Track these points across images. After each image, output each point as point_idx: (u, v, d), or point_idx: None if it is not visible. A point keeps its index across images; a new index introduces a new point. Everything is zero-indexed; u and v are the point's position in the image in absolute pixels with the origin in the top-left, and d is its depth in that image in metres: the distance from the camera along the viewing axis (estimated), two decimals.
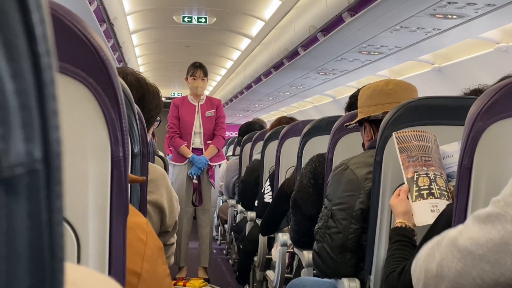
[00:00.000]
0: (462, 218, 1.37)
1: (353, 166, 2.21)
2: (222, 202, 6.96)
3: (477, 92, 2.40)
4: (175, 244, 2.26)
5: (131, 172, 1.48)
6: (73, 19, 0.91)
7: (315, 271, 2.79)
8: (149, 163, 2.21)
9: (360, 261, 2.22)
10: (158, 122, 2.23)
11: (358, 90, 2.79)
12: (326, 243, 2.21)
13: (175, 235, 2.27)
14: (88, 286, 0.44)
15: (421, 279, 1.16)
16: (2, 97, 0.27)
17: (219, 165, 5.64)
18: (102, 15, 6.63)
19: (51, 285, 0.29)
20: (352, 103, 2.76)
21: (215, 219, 7.08)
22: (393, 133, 2.00)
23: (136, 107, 1.44)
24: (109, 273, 0.95)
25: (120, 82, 0.96)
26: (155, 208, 2.10)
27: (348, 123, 2.44)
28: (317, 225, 2.29)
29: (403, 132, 1.99)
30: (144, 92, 2.09)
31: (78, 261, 0.91)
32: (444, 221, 1.57)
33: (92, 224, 0.92)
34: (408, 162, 1.95)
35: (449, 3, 4.03)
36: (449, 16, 4.39)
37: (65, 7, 0.91)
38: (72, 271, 0.38)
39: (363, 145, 2.40)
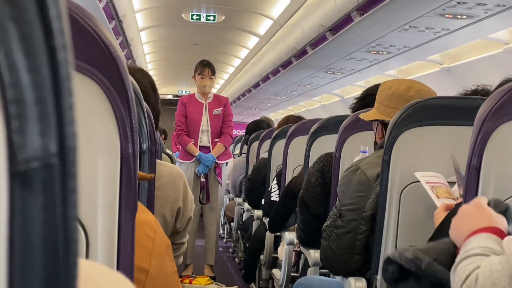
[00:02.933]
0: None
1: (364, 167, 2.20)
2: (229, 200, 6.96)
3: (476, 93, 2.39)
4: (185, 244, 2.26)
5: (139, 169, 1.49)
6: (84, 15, 0.91)
7: (321, 270, 2.79)
8: (169, 163, 2.21)
9: (367, 261, 2.22)
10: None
11: (367, 90, 2.77)
12: (333, 242, 2.21)
13: (187, 234, 2.27)
14: (100, 281, 0.45)
15: None
16: (18, 91, 0.27)
17: (226, 163, 5.64)
18: (111, 12, 6.64)
19: (65, 279, 0.30)
20: (360, 106, 2.74)
21: (222, 217, 7.08)
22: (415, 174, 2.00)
23: (145, 104, 1.45)
24: (117, 270, 0.95)
25: (130, 79, 0.96)
26: (172, 210, 2.09)
27: (363, 115, 2.39)
28: (325, 223, 2.29)
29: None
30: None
31: (87, 257, 0.91)
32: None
33: (101, 221, 0.92)
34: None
35: (458, 3, 4.02)
36: (459, 16, 4.37)
37: (76, 3, 0.91)
38: (83, 266, 0.38)
39: (375, 143, 2.38)
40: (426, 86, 2.34)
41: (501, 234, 1.24)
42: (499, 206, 1.32)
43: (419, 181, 2.07)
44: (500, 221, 1.28)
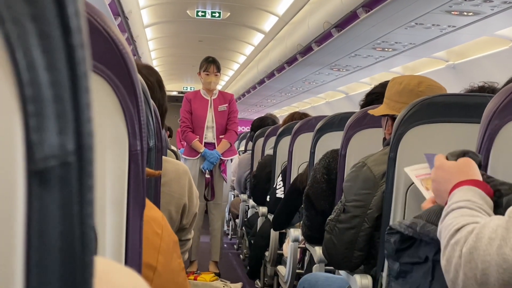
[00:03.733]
0: None
1: (371, 164, 2.20)
2: (234, 196, 6.97)
3: (483, 89, 2.38)
4: (191, 240, 2.26)
5: (146, 166, 1.49)
6: (93, 12, 0.91)
7: (326, 267, 2.79)
8: (174, 160, 2.22)
9: (372, 257, 2.22)
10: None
11: (377, 87, 2.77)
12: (335, 236, 2.22)
13: (192, 231, 2.28)
14: (113, 278, 0.45)
15: (460, 285, 1.09)
16: (37, 89, 0.27)
17: (231, 160, 5.64)
18: (117, 9, 6.64)
19: (81, 277, 0.30)
20: (370, 100, 2.73)
21: (227, 214, 7.09)
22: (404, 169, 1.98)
23: (151, 101, 1.45)
24: (125, 266, 0.95)
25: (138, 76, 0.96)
26: (177, 206, 2.10)
27: (372, 111, 2.38)
28: (330, 216, 2.29)
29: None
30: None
31: (95, 253, 0.91)
32: None
33: (109, 217, 0.92)
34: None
35: (465, 0, 4.01)
36: (465, 13, 4.36)
37: (84, 0, 0.91)
38: (97, 263, 0.38)
39: (384, 139, 2.37)
40: (436, 82, 2.33)
41: (481, 185, 1.26)
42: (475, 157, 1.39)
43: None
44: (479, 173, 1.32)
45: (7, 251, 0.27)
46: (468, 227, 1.11)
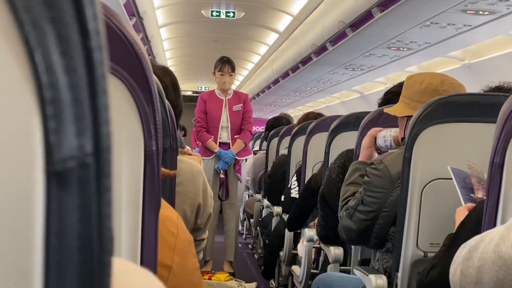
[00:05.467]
0: (493, 216, 1.36)
1: (388, 163, 2.19)
2: (248, 196, 6.97)
3: (499, 89, 2.36)
4: (205, 240, 2.27)
5: (162, 166, 1.49)
6: (108, 13, 0.91)
7: (341, 267, 2.79)
8: (188, 160, 2.22)
9: (387, 251, 2.23)
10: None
11: (396, 86, 2.75)
12: (354, 222, 2.26)
13: (207, 231, 2.28)
14: (130, 278, 0.45)
15: (457, 284, 1.10)
16: (55, 92, 0.27)
17: (246, 160, 5.64)
18: (132, 9, 6.67)
19: (99, 277, 0.30)
20: (389, 99, 2.72)
21: (241, 214, 7.10)
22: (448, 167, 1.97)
23: (166, 101, 1.45)
24: (141, 266, 0.95)
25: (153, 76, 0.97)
26: (192, 206, 2.10)
27: (394, 111, 2.36)
28: (350, 202, 2.30)
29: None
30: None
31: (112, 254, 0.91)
32: (476, 217, 1.56)
33: (125, 217, 0.92)
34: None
35: None
36: (480, 12, 4.34)
37: (100, 1, 0.92)
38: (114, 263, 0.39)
39: (402, 139, 2.35)
40: (456, 79, 2.30)
41: None
42: None
43: (440, 179, 2.06)
44: None
45: (26, 251, 0.27)
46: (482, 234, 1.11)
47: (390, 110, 2.36)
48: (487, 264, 1.02)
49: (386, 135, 2.45)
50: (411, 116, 2.23)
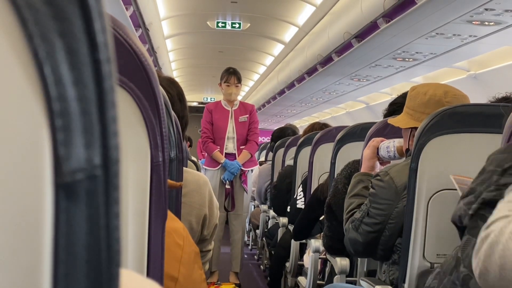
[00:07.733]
0: None
1: (393, 174, 2.19)
2: (254, 207, 6.96)
3: (506, 100, 2.35)
4: (211, 251, 2.27)
5: (168, 177, 1.49)
6: (115, 24, 0.91)
7: (348, 278, 2.78)
8: (194, 170, 2.22)
9: (393, 263, 2.22)
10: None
11: (400, 96, 2.75)
12: (360, 235, 2.25)
13: (213, 242, 2.28)
14: None
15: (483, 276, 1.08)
16: (64, 104, 0.27)
17: (252, 170, 5.64)
18: (138, 20, 6.70)
19: None
20: (394, 110, 2.72)
21: (247, 224, 7.09)
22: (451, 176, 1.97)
23: (172, 112, 1.45)
24: (147, 277, 0.95)
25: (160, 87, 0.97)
26: (198, 217, 2.10)
27: (397, 123, 2.35)
28: (356, 214, 2.30)
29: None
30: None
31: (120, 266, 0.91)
32: None
33: (131, 228, 0.92)
34: None
35: (486, 10, 3.99)
36: (486, 23, 4.34)
37: (107, 13, 0.92)
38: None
39: (407, 150, 2.35)
40: (459, 90, 2.29)
41: None
42: None
43: (446, 189, 2.05)
44: None
45: (35, 263, 0.27)
46: (498, 222, 1.09)
47: (394, 121, 2.36)
48: (509, 263, 1.01)
49: (389, 146, 2.44)
50: (416, 127, 2.22)
